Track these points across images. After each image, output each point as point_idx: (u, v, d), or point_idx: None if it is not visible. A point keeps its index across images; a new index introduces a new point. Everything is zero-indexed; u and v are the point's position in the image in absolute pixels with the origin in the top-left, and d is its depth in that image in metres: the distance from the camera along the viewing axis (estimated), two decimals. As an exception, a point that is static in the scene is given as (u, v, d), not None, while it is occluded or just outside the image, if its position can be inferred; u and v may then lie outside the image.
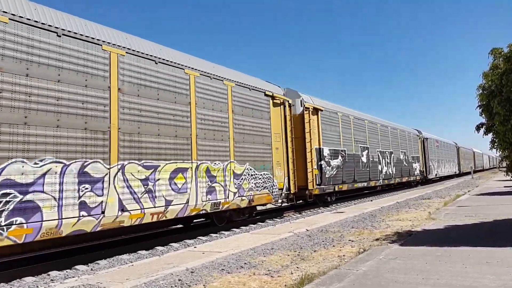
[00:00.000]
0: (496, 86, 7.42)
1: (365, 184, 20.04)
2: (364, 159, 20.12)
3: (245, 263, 6.01)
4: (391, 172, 23.69)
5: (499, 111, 7.08)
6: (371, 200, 18.28)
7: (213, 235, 10.43)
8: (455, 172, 45.57)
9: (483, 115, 8.44)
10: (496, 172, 57.29)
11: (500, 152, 8.47)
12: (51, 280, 6.33)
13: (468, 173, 48.24)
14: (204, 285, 4.89)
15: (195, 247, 8.02)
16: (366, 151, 20.65)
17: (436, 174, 34.92)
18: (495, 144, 8.25)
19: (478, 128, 9.05)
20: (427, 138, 33.05)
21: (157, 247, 8.89)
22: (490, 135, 8.66)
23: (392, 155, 24.30)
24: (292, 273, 5.24)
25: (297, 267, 5.60)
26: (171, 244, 9.25)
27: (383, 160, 22.75)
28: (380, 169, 22.12)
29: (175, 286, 4.94)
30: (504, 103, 7.02)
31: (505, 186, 20.58)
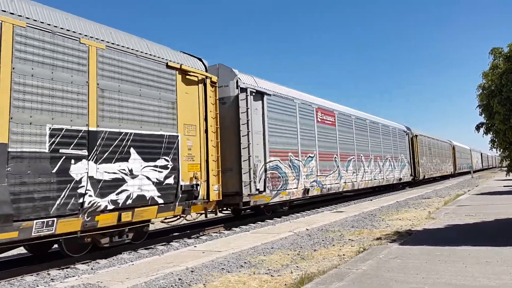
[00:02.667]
0: (496, 86, 7.43)
1: None
2: None
3: (245, 263, 6.02)
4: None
5: (499, 110, 7.10)
6: (371, 200, 18.30)
7: (213, 234, 10.44)
8: (400, 179, 25.46)
9: (483, 115, 8.45)
10: (496, 171, 57.31)
11: (500, 152, 8.49)
12: (52, 279, 6.34)
13: (437, 180, 36.93)
14: (204, 284, 4.90)
15: (195, 246, 8.03)
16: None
17: (306, 190, 14.52)
18: (495, 143, 8.27)
19: (478, 128, 9.06)
20: (269, 95, 13.06)
21: (157, 246, 8.90)
22: (490, 135, 8.68)
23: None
24: (292, 272, 5.25)
25: (297, 266, 5.61)
26: (171, 243, 9.26)
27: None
28: None
29: (175, 285, 4.94)
30: (504, 102, 7.03)
31: (505, 186, 20.60)
